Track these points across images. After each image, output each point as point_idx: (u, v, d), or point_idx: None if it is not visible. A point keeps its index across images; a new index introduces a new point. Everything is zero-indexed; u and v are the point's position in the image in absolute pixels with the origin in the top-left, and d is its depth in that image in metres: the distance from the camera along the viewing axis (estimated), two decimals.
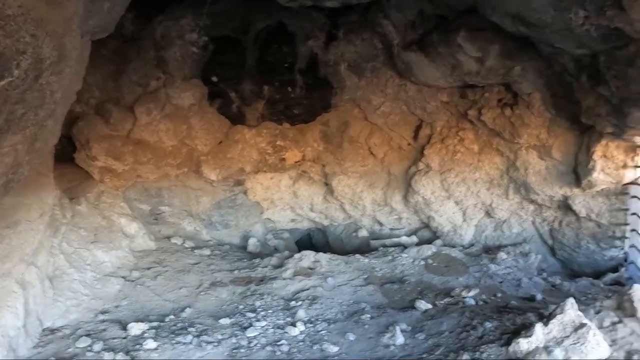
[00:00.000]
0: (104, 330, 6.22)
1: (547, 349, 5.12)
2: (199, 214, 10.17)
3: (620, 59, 5.46)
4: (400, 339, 5.88)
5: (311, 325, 6.41)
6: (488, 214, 10.03)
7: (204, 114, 9.17)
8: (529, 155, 8.86)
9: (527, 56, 7.43)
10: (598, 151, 7.65)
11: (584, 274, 8.89)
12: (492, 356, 5.30)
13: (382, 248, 9.79)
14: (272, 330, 6.28)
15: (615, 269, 8.73)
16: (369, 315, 6.65)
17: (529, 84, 8.06)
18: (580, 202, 8.68)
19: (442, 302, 7.18)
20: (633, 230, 8.11)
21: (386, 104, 9.67)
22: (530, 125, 8.51)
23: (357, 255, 9.19)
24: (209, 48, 8.82)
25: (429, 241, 10.21)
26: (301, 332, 6.21)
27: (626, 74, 5.46)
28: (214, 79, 9.13)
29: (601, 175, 7.74)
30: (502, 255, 9.15)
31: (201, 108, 9.11)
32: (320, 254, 8.86)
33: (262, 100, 9.44)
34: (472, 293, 7.41)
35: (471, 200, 9.97)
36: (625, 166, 7.65)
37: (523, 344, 5.21)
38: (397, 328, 6.04)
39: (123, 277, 7.63)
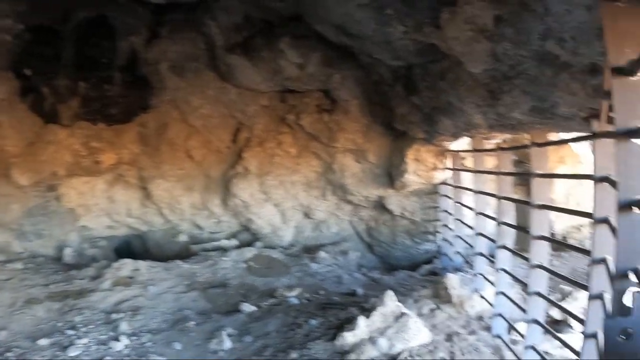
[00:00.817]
0: None
1: (372, 340, 5.40)
2: (9, 224, 9.14)
3: (433, 72, 5.88)
4: (227, 344, 5.81)
5: (135, 337, 6.08)
6: (307, 215, 10.30)
7: (14, 110, 8.26)
8: (345, 158, 9.24)
9: (347, 65, 7.76)
10: (410, 155, 8.25)
11: (402, 267, 9.51)
12: (320, 352, 5.44)
13: (202, 252, 9.64)
14: (95, 347, 5.83)
15: (429, 261, 9.46)
16: (194, 322, 6.49)
17: (347, 91, 8.42)
18: (394, 201, 9.30)
19: (266, 303, 7.23)
20: (444, 225, 8.82)
21: (206, 106, 9.47)
22: (347, 130, 8.89)
23: (178, 261, 8.96)
24: (24, 37, 7.87)
25: (250, 243, 10.24)
26: (126, 346, 5.85)
27: (438, 85, 5.87)
28: (27, 72, 8.26)
29: (413, 176, 8.37)
30: (322, 254, 9.48)
31: (11, 104, 8.19)
32: (140, 261, 8.50)
33: (77, 98, 8.74)
34: (295, 292, 7.59)
35: (290, 202, 10.16)
36: (435, 168, 8.35)
37: (348, 337, 5.45)
38: (224, 333, 5.98)
39: None
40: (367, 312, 5.85)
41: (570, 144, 8.35)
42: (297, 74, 8.08)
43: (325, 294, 7.79)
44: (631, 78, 1.79)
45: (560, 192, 8.89)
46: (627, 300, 1.91)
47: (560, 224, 9.08)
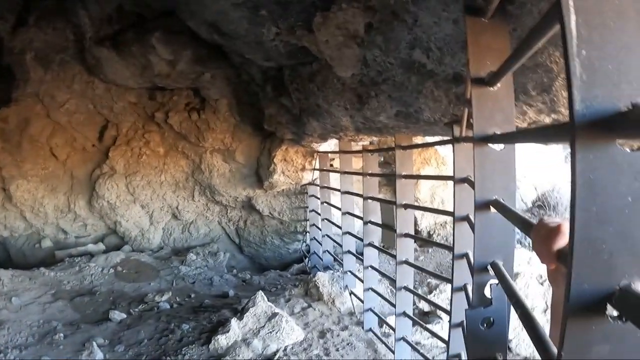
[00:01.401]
0: None
1: (246, 342, 5.43)
2: None
3: (303, 74, 5.96)
4: (99, 355, 5.57)
5: (1, 355, 5.64)
6: (175, 216, 10.09)
7: None
8: (213, 158, 9.17)
9: (218, 64, 7.65)
10: (279, 155, 8.31)
11: (272, 267, 9.58)
12: (194, 357, 5.38)
13: (68, 259, 9.16)
14: None
15: (299, 260, 9.59)
16: (62, 334, 6.13)
17: (217, 90, 8.33)
18: (263, 202, 9.35)
19: (137, 309, 7.03)
20: (312, 225, 8.96)
21: (72, 101, 8.96)
22: (216, 129, 8.81)
23: (42, 269, 8.44)
24: None
25: (118, 247, 9.92)
26: None
27: (307, 88, 5.95)
28: None
29: (282, 177, 8.44)
30: (191, 256, 9.32)
31: None
32: (1, 270, 7.89)
33: None
34: (165, 297, 7.42)
35: (158, 203, 9.91)
36: (303, 169, 8.47)
37: (222, 341, 5.44)
38: (94, 343, 5.73)
39: None
40: (239, 313, 5.86)
41: (435, 147, 8.87)
42: (167, 70, 7.84)
43: (197, 297, 7.68)
44: (490, 88, 1.91)
45: (426, 192, 9.41)
46: (487, 292, 2.06)
47: (426, 221, 9.60)
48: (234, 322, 5.59)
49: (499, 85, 1.92)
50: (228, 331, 5.48)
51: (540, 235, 1.22)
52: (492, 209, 1.97)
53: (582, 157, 0.78)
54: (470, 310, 2.02)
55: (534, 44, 1.38)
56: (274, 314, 5.74)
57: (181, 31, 7.02)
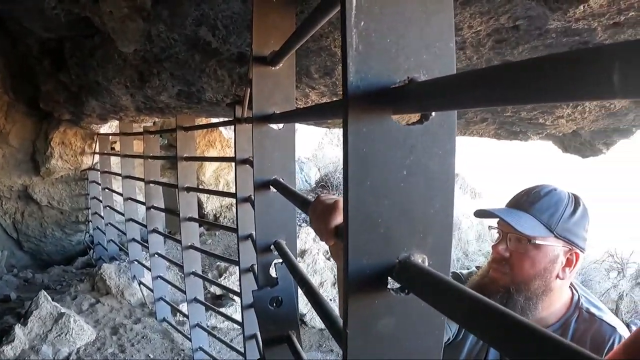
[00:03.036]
0: None
1: (34, 349, 4.99)
2: None
3: (84, 48, 5.46)
4: None
5: None
6: None
7: None
8: None
9: None
10: (56, 138, 7.60)
11: (55, 262, 8.86)
12: None
13: None
14: None
15: (84, 253, 8.97)
16: None
17: None
18: (40, 190, 8.52)
19: None
20: (95, 213, 8.39)
21: None
22: None
23: None
24: None
25: None
26: None
27: (87, 63, 5.47)
28: None
29: (59, 162, 7.74)
30: None
31: None
32: None
33: None
34: None
35: None
36: (83, 153, 7.87)
37: (8, 352, 4.91)
38: None
39: None
40: (22, 318, 5.33)
41: (220, 129, 8.83)
42: None
43: None
44: (272, 68, 1.91)
45: (211, 175, 9.36)
46: (272, 271, 2.07)
47: (212, 204, 9.57)
48: (17, 329, 5.05)
49: (280, 65, 1.91)
50: (13, 340, 4.93)
51: (316, 212, 1.22)
52: (272, 189, 1.97)
53: (355, 130, 0.76)
54: (257, 292, 2.00)
55: (317, 23, 1.37)
56: (61, 315, 5.30)
57: None
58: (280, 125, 1.96)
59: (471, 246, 9.34)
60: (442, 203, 0.81)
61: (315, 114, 1.87)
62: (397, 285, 0.81)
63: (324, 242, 1.28)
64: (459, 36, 2.23)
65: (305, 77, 3.01)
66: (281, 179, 1.97)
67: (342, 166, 0.81)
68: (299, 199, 1.58)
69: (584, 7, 1.82)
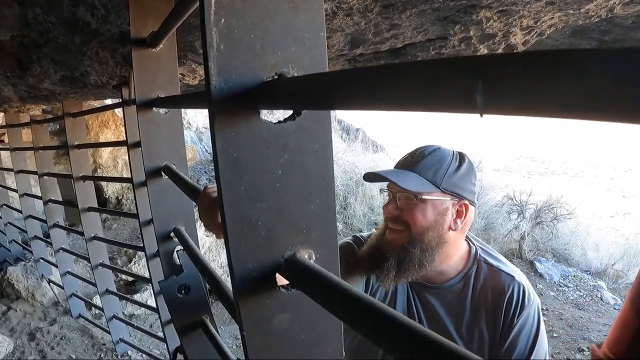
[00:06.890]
0: None
1: None
2: None
3: None
4: None
5: None
6: None
7: None
8: None
9: None
10: None
11: None
12: None
13: None
14: None
15: None
16: None
17: None
18: None
19: None
20: None
21: None
22: None
23: None
24: None
25: None
26: None
27: None
28: None
29: None
30: None
31: None
32: None
33: None
34: None
35: None
36: None
37: None
38: None
39: None
40: None
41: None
42: None
43: None
44: (152, 50, 1.84)
45: (108, 157, 8.93)
46: (176, 259, 2.02)
47: (113, 187, 9.14)
48: None
49: (161, 46, 1.84)
50: None
51: (203, 207, 1.19)
52: (164, 175, 1.91)
53: (223, 136, 0.73)
54: (163, 282, 1.96)
55: (190, 6, 1.33)
56: None
57: None
58: (166, 110, 1.89)
59: (376, 201, 9.52)
60: (322, 197, 0.80)
61: (198, 101, 1.83)
62: (285, 282, 0.81)
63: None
64: (345, 3, 2.22)
65: (190, 53, 2.92)
66: (172, 165, 1.91)
67: None
68: (188, 188, 1.54)
69: None
